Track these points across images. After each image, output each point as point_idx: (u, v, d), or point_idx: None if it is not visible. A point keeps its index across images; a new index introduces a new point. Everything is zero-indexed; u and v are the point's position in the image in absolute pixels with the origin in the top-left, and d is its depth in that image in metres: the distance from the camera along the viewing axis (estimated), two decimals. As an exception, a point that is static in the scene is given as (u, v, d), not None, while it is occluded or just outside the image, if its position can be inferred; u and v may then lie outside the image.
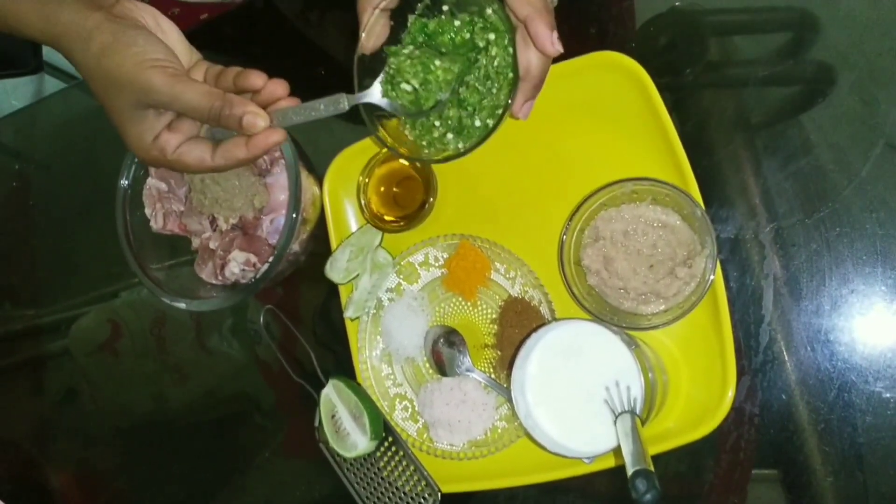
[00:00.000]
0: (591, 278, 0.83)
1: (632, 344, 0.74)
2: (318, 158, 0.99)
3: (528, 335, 0.78)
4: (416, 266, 0.95)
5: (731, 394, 0.78)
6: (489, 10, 0.72)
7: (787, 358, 0.80)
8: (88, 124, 1.26)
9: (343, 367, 0.97)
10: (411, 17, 0.76)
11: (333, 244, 0.97)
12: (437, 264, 0.94)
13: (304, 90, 1.09)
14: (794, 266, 0.80)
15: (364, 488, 0.94)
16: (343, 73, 1.07)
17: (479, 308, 0.92)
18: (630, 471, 0.63)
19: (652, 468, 0.63)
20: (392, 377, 0.96)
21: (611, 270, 0.81)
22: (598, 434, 0.73)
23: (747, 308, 0.82)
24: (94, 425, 1.20)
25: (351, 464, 0.95)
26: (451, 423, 0.89)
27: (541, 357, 0.77)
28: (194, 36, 1.14)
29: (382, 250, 0.95)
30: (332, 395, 0.93)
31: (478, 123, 0.75)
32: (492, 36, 0.73)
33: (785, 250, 0.81)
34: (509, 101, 0.71)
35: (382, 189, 0.96)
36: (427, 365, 0.94)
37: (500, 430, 0.89)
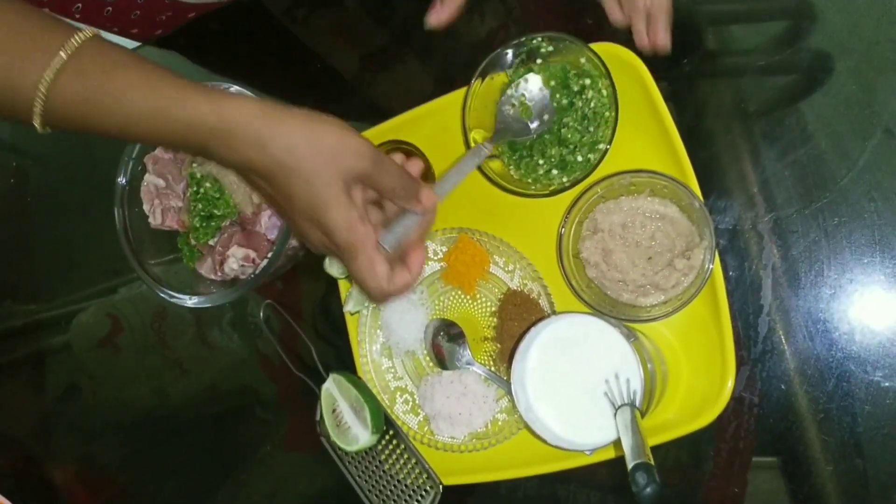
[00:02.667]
0: (589, 271, 0.83)
1: (631, 336, 0.75)
2: (316, 152, 0.98)
3: (528, 329, 0.78)
4: (416, 259, 0.95)
5: (730, 384, 0.78)
6: (582, 59, 0.83)
7: (786, 347, 0.80)
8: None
9: (343, 362, 0.98)
10: (508, 71, 0.87)
11: (332, 238, 0.97)
12: (436, 258, 0.94)
13: (302, 85, 1.09)
14: (793, 256, 0.80)
15: (366, 482, 0.94)
16: (335, 70, 1.08)
17: (479, 301, 0.93)
18: (630, 464, 0.63)
19: (652, 461, 0.63)
20: (392, 370, 0.96)
21: (609, 263, 0.81)
22: (599, 426, 0.73)
23: (746, 298, 0.82)
24: (96, 420, 1.20)
25: (352, 457, 0.95)
26: (451, 415, 0.90)
27: (540, 350, 0.77)
28: (180, 33, 1.15)
29: (381, 244, 0.95)
30: (333, 390, 0.94)
31: (580, 158, 0.83)
32: (587, 81, 0.83)
33: (783, 240, 0.81)
34: (610, 138, 0.81)
35: (380, 183, 0.96)
36: (427, 358, 0.94)
37: (500, 423, 0.89)
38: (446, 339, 0.91)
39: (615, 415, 0.71)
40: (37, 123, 0.62)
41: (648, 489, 0.61)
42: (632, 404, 0.70)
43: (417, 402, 0.94)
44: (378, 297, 0.67)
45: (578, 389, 0.75)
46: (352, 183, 0.64)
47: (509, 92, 0.86)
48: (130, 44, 1.13)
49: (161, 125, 0.62)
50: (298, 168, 0.61)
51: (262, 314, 1.03)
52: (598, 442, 0.73)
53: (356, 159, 0.63)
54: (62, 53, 0.60)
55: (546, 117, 0.85)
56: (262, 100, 0.62)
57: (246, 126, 0.61)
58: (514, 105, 0.86)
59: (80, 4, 0.97)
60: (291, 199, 0.64)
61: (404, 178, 0.68)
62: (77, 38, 0.61)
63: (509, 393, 0.80)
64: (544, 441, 0.76)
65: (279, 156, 0.61)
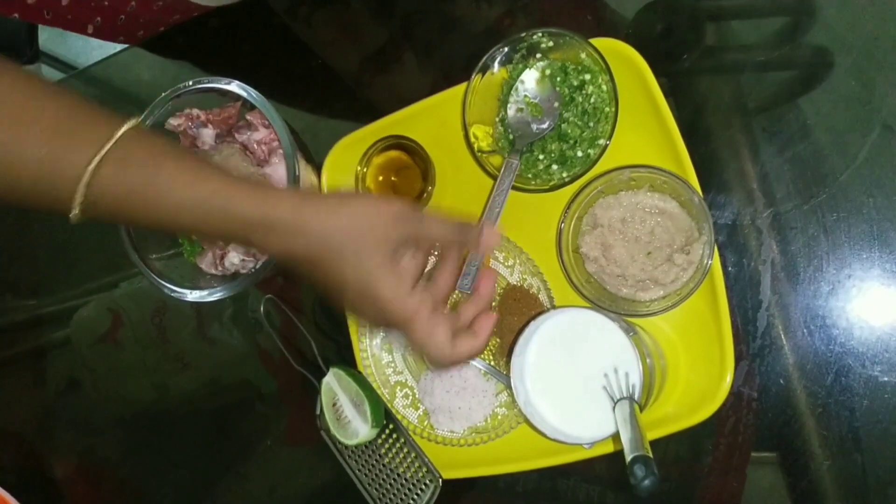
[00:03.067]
0: (589, 265, 0.83)
1: (630, 331, 0.75)
2: (317, 148, 0.98)
3: (527, 323, 0.79)
4: (416, 255, 0.95)
5: (729, 378, 0.79)
6: (583, 55, 0.83)
7: (784, 342, 0.81)
8: (86, 115, 1.26)
9: (343, 356, 0.98)
10: (508, 66, 0.87)
11: (333, 234, 0.97)
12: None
13: (303, 82, 1.09)
14: (792, 251, 0.81)
15: (366, 475, 0.94)
16: (337, 67, 1.08)
17: (479, 296, 0.93)
18: (629, 457, 0.63)
19: (650, 454, 0.63)
20: (393, 365, 0.96)
21: (609, 257, 0.81)
22: (597, 420, 0.73)
23: (745, 293, 0.82)
24: (97, 415, 1.20)
25: (352, 451, 0.95)
26: (451, 410, 0.90)
27: (540, 345, 0.78)
28: (180, 32, 1.15)
29: (381, 239, 0.95)
30: (333, 384, 0.94)
31: (580, 154, 0.84)
32: (587, 76, 0.83)
33: (783, 235, 0.81)
34: (610, 134, 0.81)
35: (381, 178, 0.96)
36: (427, 353, 0.94)
37: (500, 417, 0.90)
38: (446, 334, 0.91)
39: (614, 408, 0.71)
40: (73, 216, 0.62)
41: (646, 481, 0.61)
42: (630, 398, 0.70)
43: (417, 396, 0.94)
44: (442, 364, 0.68)
45: (577, 383, 0.75)
46: (398, 250, 0.65)
47: (512, 98, 0.87)
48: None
49: (203, 217, 0.63)
50: (340, 248, 0.63)
51: (262, 309, 1.03)
52: (596, 435, 0.74)
53: (395, 224, 0.64)
54: (106, 145, 0.61)
55: (556, 104, 0.85)
56: (301, 191, 0.64)
57: (286, 218, 0.62)
58: (521, 109, 0.86)
59: (99, 18, 0.97)
60: (341, 282, 0.64)
61: (451, 223, 0.69)
62: (120, 129, 0.62)
63: (509, 387, 0.80)
64: (543, 434, 0.76)
65: (319, 240, 0.62)
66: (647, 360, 0.73)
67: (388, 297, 0.64)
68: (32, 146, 0.60)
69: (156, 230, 0.65)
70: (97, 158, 0.60)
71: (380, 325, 0.69)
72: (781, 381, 0.80)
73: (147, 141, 0.63)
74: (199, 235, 0.73)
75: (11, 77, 0.62)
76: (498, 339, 0.90)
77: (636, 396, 0.71)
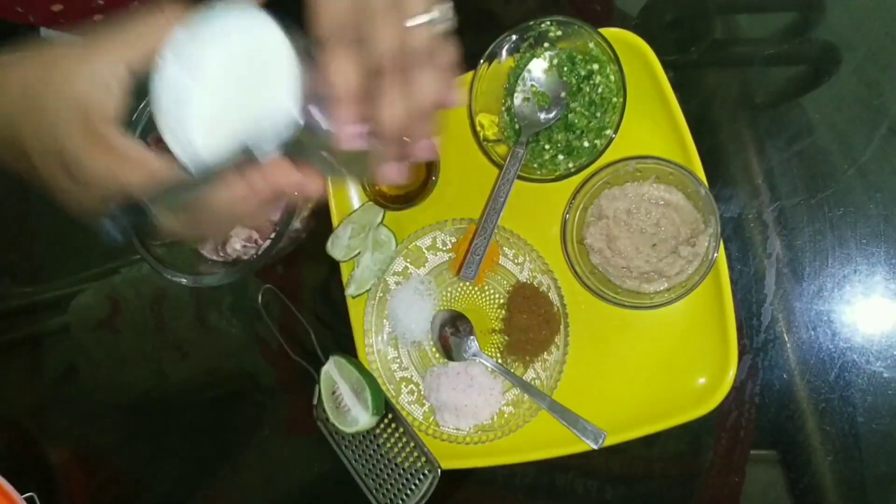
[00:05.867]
0: (594, 257, 0.83)
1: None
2: (320, 135, 0.98)
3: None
4: (424, 250, 0.94)
5: (732, 373, 0.78)
6: (591, 44, 0.82)
7: (788, 338, 0.80)
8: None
9: (343, 346, 0.97)
10: (516, 55, 0.86)
11: (335, 221, 0.97)
12: (444, 248, 0.94)
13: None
14: (797, 246, 0.80)
15: (363, 465, 0.94)
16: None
17: (487, 293, 0.92)
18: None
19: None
20: (398, 361, 0.95)
21: (614, 249, 0.81)
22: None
23: (749, 287, 0.82)
24: (94, 402, 1.20)
25: (349, 441, 0.95)
26: (457, 407, 0.89)
27: None
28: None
29: (384, 228, 0.95)
30: (333, 372, 0.93)
31: (586, 144, 0.83)
32: (595, 66, 0.83)
33: (788, 230, 0.81)
34: (618, 125, 0.81)
35: (384, 166, 0.95)
36: (434, 349, 0.93)
37: (507, 416, 0.89)
38: (453, 331, 0.90)
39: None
40: None
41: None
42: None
43: (423, 392, 0.93)
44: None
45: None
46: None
47: (519, 87, 0.86)
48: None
49: None
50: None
51: (260, 299, 1.02)
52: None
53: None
54: None
55: (563, 94, 0.84)
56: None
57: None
58: (528, 98, 0.86)
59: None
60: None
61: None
62: None
63: (516, 385, 0.78)
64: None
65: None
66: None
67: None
68: None
69: None
70: None
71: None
72: (784, 377, 0.80)
73: None
74: None
75: None
76: (506, 337, 0.89)
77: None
